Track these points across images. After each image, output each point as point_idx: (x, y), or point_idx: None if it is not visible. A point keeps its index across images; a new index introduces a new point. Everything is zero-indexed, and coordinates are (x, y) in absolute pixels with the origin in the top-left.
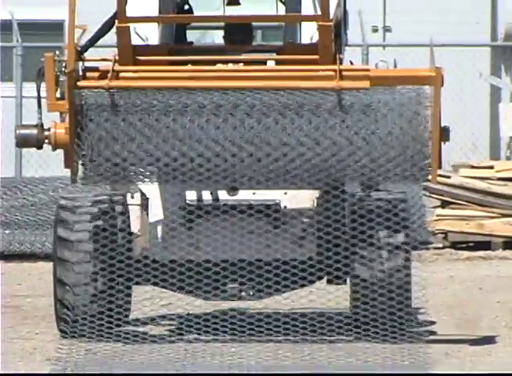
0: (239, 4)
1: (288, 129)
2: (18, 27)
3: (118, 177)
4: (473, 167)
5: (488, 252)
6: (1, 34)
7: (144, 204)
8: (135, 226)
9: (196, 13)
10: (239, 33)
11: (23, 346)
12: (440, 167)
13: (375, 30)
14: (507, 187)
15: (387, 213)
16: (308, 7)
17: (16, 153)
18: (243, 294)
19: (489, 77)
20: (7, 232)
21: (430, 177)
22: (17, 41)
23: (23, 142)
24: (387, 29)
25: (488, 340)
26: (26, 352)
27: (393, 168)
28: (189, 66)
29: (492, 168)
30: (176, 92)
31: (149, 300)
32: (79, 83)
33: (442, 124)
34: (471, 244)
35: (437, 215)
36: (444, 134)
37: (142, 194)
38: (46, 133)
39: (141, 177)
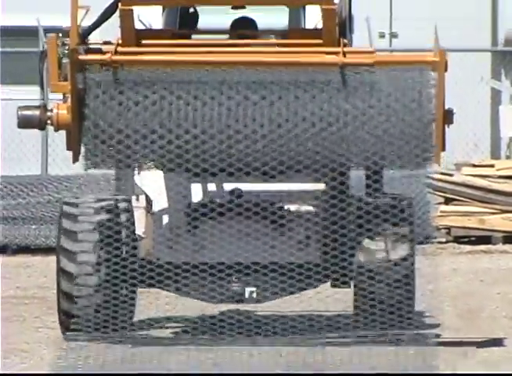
0: (244, 8)
1: (291, 107)
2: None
3: (121, 157)
4: (474, 165)
5: (489, 246)
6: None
7: (148, 207)
8: (139, 229)
9: (202, 17)
10: (245, 27)
11: (49, 335)
12: (444, 149)
13: (382, 35)
14: (507, 185)
15: (393, 217)
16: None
17: (42, 152)
18: (247, 296)
19: (490, 80)
20: (33, 227)
21: (433, 158)
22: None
23: (25, 123)
24: (393, 35)
25: (490, 330)
26: (50, 340)
27: (396, 149)
28: (193, 41)
29: (492, 166)
30: (181, 67)
31: (153, 302)
32: (81, 57)
33: (446, 107)
34: (473, 239)
35: (440, 211)
36: (448, 116)
37: (147, 197)
38: (49, 114)
39: (144, 158)
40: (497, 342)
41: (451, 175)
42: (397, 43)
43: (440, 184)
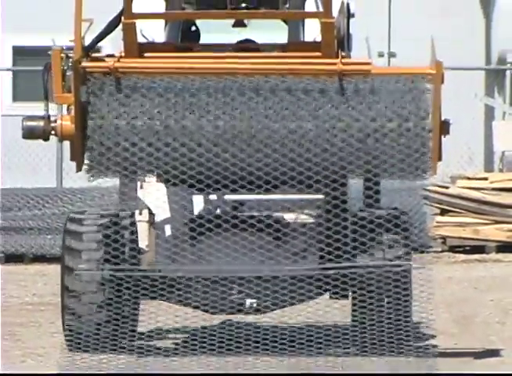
0: (245, 26)
1: (287, 115)
2: None
3: (124, 167)
4: (469, 178)
5: (483, 255)
6: None
7: (151, 220)
8: (142, 242)
9: (203, 35)
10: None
11: (62, 340)
12: (440, 159)
13: (381, 55)
14: (500, 197)
15: (389, 231)
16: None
17: (56, 166)
18: (247, 307)
19: (484, 97)
20: (49, 237)
21: (430, 169)
22: None
23: (29, 133)
24: (391, 54)
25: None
26: (64, 345)
27: (392, 159)
28: (195, 53)
29: (486, 179)
30: (184, 76)
31: (154, 313)
32: (84, 63)
33: (443, 118)
34: (468, 248)
35: (436, 222)
36: (444, 127)
37: (150, 211)
38: (53, 125)
39: (147, 167)
40: (494, 353)
41: (446, 187)
42: (395, 62)
43: (436, 196)
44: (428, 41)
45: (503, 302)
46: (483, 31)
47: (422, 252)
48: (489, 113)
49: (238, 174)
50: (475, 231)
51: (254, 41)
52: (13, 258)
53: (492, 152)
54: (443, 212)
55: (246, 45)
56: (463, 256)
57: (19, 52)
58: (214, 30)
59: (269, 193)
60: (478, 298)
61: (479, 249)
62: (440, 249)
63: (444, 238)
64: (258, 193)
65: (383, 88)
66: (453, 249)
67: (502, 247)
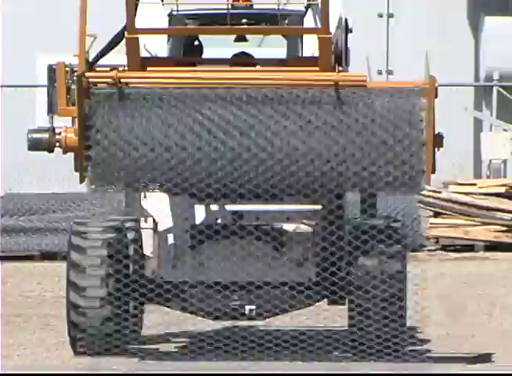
0: (246, 41)
1: (280, 126)
2: None
3: (127, 178)
4: (459, 184)
5: (472, 254)
6: None
7: (155, 228)
8: (147, 249)
9: (206, 50)
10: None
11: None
12: (434, 171)
13: (379, 72)
14: (488, 201)
15: (385, 239)
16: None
17: None
18: (248, 312)
19: (473, 111)
20: None
21: (423, 182)
22: None
23: (35, 145)
24: (389, 72)
25: (472, 325)
26: None
27: (386, 174)
28: (197, 68)
29: (475, 185)
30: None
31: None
32: (87, 74)
33: (436, 132)
34: (458, 247)
35: (430, 223)
36: (438, 140)
37: (153, 219)
38: (57, 137)
39: (151, 180)
40: (486, 358)
41: (439, 192)
42: (393, 79)
43: (430, 200)
44: (422, 59)
45: (490, 296)
46: (472, 52)
47: (417, 251)
48: (478, 125)
49: (242, 185)
50: (465, 232)
51: (249, 54)
52: (48, 256)
53: (480, 160)
54: (436, 215)
55: (245, 60)
56: (454, 254)
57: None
58: (216, 43)
59: (269, 203)
60: (468, 291)
61: (469, 248)
62: (433, 248)
63: (437, 238)
64: (259, 204)
65: (377, 102)
66: (445, 248)
67: (490, 247)
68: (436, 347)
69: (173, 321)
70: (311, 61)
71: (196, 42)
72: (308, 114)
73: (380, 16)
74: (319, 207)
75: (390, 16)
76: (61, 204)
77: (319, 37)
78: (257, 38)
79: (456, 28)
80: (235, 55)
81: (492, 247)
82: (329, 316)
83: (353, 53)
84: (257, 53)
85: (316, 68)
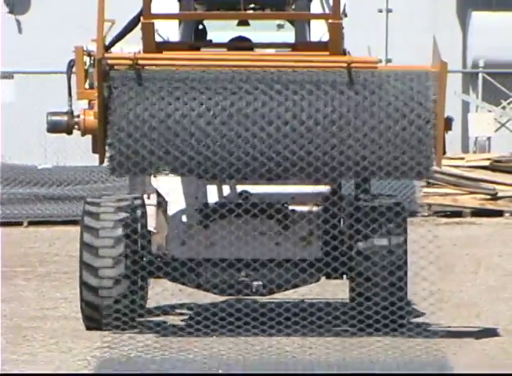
0: (248, 25)
1: (292, 108)
2: None
3: (145, 163)
4: (450, 158)
5: (460, 219)
6: None
7: (159, 204)
8: (151, 225)
9: (210, 33)
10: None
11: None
12: (444, 153)
13: (379, 60)
14: (474, 172)
15: (386, 218)
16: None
17: None
18: (253, 289)
19: (461, 94)
20: None
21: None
22: None
23: (53, 127)
24: (388, 61)
25: (460, 282)
26: None
27: (394, 159)
28: (210, 52)
29: (463, 158)
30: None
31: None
32: (106, 54)
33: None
34: (448, 213)
35: (424, 192)
36: (447, 123)
37: (159, 194)
38: (76, 119)
39: (167, 164)
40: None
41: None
42: None
43: None
44: (418, 50)
45: (476, 256)
46: (461, 43)
47: (412, 216)
48: (465, 107)
49: (250, 163)
50: (454, 199)
51: (246, 38)
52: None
53: (467, 137)
54: (429, 185)
55: (256, 45)
56: (444, 219)
57: None
58: (220, 27)
59: (276, 183)
60: (457, 252)
61: (457, 214)
62: (426, 214)
63: (429, 205)
64: (267, 184)
65: (389, 87)
66: (437, 214)
67: (476, 213)
68: (429, 303)
69: (167, 294)
70: (320, 46)
71: (201, 26)
72: (322, 95)
73: (380, 11)
74: (327, 188)
75: (389, 11)
76: (101, 176)
77: (329, 23)
78: (253, 23)
79: (447, 22)
80: (232, 39)
81: (478, 213)
82: (331, 289)
83: (355, 44)
84: (253, 37)
85: (326, 53)
